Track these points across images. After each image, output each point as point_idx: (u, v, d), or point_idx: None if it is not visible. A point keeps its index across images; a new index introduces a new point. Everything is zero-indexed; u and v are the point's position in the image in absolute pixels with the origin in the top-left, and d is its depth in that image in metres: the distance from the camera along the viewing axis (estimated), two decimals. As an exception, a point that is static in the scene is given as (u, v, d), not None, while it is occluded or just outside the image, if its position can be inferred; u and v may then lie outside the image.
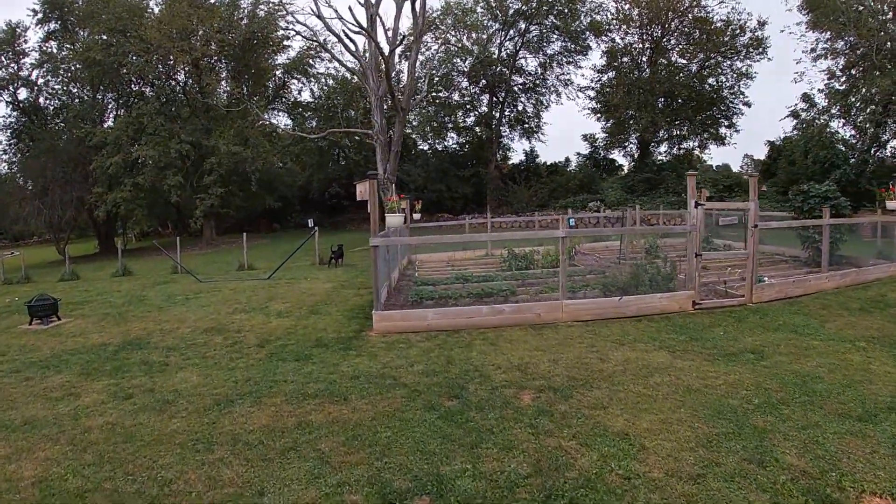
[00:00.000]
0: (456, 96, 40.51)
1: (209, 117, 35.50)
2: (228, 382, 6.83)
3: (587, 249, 18.06)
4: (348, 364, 7.33)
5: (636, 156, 42.12)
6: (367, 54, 26.90)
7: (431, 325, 8.92)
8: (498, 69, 38.90)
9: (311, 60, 39.32)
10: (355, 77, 39.41)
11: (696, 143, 41.76)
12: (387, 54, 23.72)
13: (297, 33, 30.44)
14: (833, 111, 32.87)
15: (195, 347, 8.65)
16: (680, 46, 38.47)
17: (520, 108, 41.35)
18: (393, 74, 26.39)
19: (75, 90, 36.97)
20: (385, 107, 26.85)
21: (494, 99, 40.62)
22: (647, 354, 7.45)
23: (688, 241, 10.56)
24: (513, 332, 8.78)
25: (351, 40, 26.70)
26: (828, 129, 32.69)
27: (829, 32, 31.49)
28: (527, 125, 41.19)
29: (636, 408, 5.73)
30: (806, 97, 34.33)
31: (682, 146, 41.98)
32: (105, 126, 35.40)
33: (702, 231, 10.50)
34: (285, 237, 37.33)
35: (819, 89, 33.47)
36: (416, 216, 19.07)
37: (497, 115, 40.38)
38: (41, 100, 36.75)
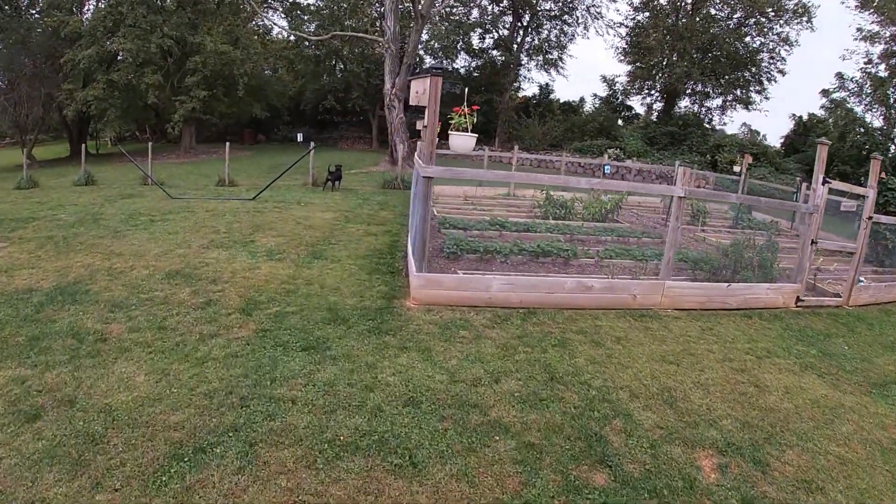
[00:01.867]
0: (475, 14, 36.59)
1: (197, 11, 31.41)
2: (196, 397, 4.12)
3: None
4: (391, 367, 4.67)
5: (658, 106, 38.96)
6: (385, -54, 23.15)
7: (494, 297, 6.28)
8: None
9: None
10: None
11: (720, 103, 38.42)
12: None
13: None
14: (865, 96, 31.18)
15: (150, 306, 5.93)
16: (721, -1, 34.79)
17: (543, 35, 37.51)
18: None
19: None
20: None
21: (518, 23, 36.72)
22: (800, 379, 5.46)
23: (802, 225, 8.13)
24: (610, 321, 6.28)
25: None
26: (854, 114, 31.25)
27: (876, 15, 29.32)
28: (549, 55, 37.47)
29: (852, 486, 3.80)
30: (839, 76, 32.41)
31: (704, 104, 38.68)
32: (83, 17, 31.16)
33: (822, 214, 7.94)
34: (270, 151, 33.98)
35: (860, 71, 31.42)
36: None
37: (518, 39, 36.62)
38: None
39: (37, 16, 30.83)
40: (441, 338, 5.28)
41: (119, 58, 29.53)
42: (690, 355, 5.58)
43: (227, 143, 18.06)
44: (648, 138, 34.08)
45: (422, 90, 5.44)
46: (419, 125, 16.18)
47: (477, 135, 6.01)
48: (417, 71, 30.68)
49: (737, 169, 19.12)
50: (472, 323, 5.72)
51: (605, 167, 17.34)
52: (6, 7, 31.04)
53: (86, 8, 31.96)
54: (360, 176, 20.25)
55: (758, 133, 44.41)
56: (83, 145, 21.47)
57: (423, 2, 22.42)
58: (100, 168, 25.69)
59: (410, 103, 5.57)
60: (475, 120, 6.05)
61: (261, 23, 37.03)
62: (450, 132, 6.09)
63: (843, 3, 30.27)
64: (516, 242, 9.13)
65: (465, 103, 6.13)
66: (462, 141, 5.95)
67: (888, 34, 29.44)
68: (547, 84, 39.79)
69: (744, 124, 42.24)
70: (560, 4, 36.37)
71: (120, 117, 33.13)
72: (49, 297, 6.24)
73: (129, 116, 35.83)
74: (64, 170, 25.19)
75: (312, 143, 16.00)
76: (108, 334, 5.25)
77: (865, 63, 30.79)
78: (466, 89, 6.32)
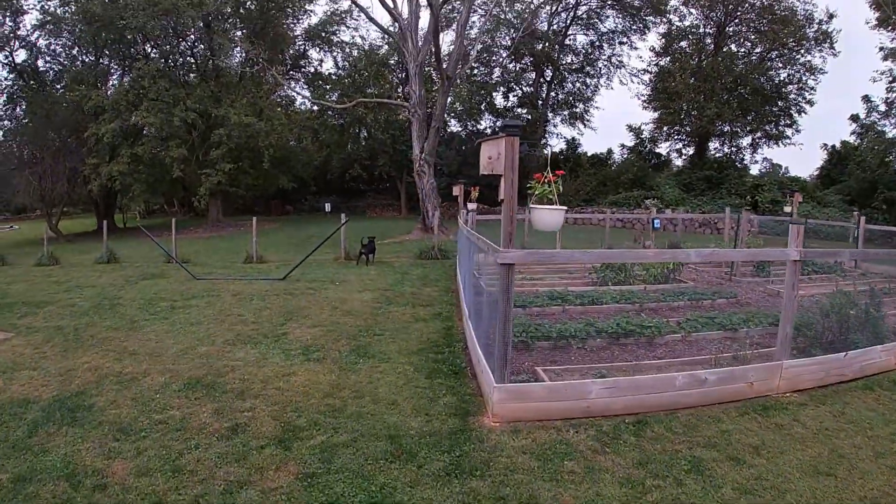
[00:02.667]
0: (497, 73, 36.31)
1: (220, 84, 31.46)
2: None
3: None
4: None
5: (689, 151, 37.99)
6: (407, 12, 22.80)
7: (594, 406, 4.95)
8: (545, 46, 34.66)
9: (335, 27, 35.13)
10: (384, 47, 35.49)
11: (749, 142, 37.28)
12: (437, 2, 19.51)
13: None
14: (893, 118, 29.86)
15: (164, 432, 4.72)
16: (742, 33, 34.19)
17: (567, 89, 37.10)
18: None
19: (77, 53, 32.87)
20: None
21: (541, 79, 36.37)
22: None
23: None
24: (734, 422, 4.98)
25: (388, -6, 22.52)
26: (885, 136, 29.88)
27: (894, 31, 28.27)
28: (575, 109, 36.93)
29: None
30: (866, 98, 31.18)
31: (734, 143, 37.60)
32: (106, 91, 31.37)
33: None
34: (299, 221, 33.42)
35: (887, 91, 30.15)
36: (472, 206, 15.14)
37: (543, 95, 36.17)
38: (40, 62, 32.76)
39: (61, 91, 30.98)
40: (544, 476, 3.94)
41: (144, 132, 29.45)
42: (840, 458, 4.26)
43: (255, 218, 17.17)
44: (684, 185, 32.91)
45: (496, 155, 4.30)
46: (455, 190, 15.12)
47: (566, 207, 4.77)
48: (444, 135, 30.10)
49: (787, 209, 17.91)
50: (576, 446, 4.38)
51: (655, 221, 16.08)
52: (32, 82, 31.38)
53: (109, 83, 32.17)
54: (393, 246, 19.24)
55: (780, 167, 42.99)
56: (104, 221, 20.94)
57: (448, 63, 21.83)
58: (126, 243, 25.12)
59: (482, 172, 4.43)
60: (561, 188, 4.85)
61: (283, 94, 37.12)
62: (530, 205, 4.88)
63: (867, 22, 29.37)
64: (589, 321, 7.82)
65: (549, 168, 4.95)
66: (549, 217, 4.72)
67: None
68: (573, 138, 38.93)
69: (765, 159, 41.00)
70: (581, 57, 36.01)
71: (145, 191, 32.92)
72: (46, 414, 5.13)
73: (156, 190, 35.71)
74: (89, 245, 24.65)
75: (345, 216, 15.01)
76: (109, 476, 4.04)
77: (890, 82, 29.58)
78: (549, 149, 5.13)
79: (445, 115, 35.42)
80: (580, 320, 8.09)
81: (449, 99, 33.65)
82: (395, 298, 9.95)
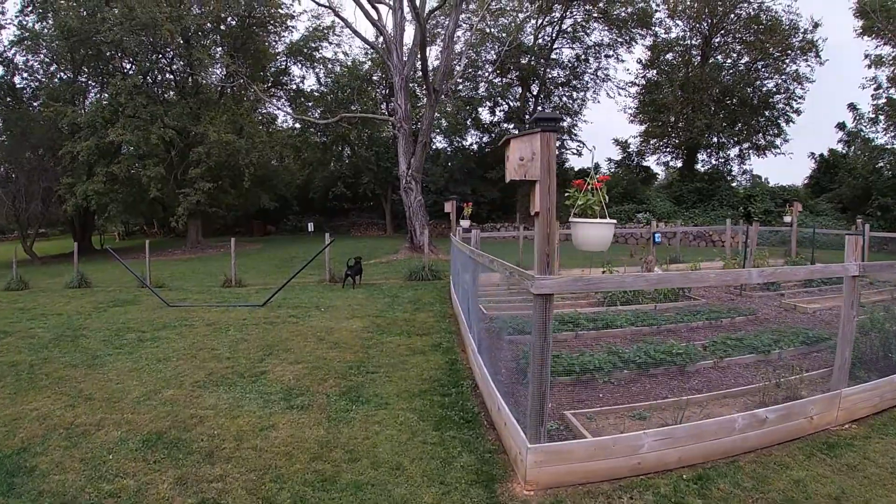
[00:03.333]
0: (482, 88, 35.63)
1: (199, 101, 30.45)
2: None
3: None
4: None
5: (678, 164, 37.56)
6: (392, 25, 22.04)
7: (645, 461, 4.05)
8: (530, 60, 34.11)
9: (317, 42, 34.28)
10: (367, 63, 34.77)
11: (737, 152, 36.86)
12: (424, 14, 18.75)
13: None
14: (883, 122, 29.61)
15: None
16: (728, 44, 33.93)
17: (553, 103, 36.49)
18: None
19: (55, 70, 31.69)
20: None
21: (528, 93, 35.77)
22: None
23: None
24: (803, 466, 4.27)
25: (373, 5, 21.77)
26: (872, 143, 29.93)
27: (879, 39, 28.19)
28: (563, 123, 36.31)
29: None
30: (852, 107, 30.94)
31: (720, 154, 37.18)
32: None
33: None
34: (281, 242, 32.30)
35: (872, 98, 29.93)
36: (465, 224, 14.26)
37: (530, 109, 35.55)
38: (17, 79, 31.52)
39: (39, 108, 29.78)
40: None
41: (122, 150, 28.36)
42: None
43: (233, 239, 16.15)
44: (674, 197, 32.39)
45: (529, 155, 3.40)
46: (447, 207, 14.22)
47: (614, 221, 3.84)
48: (430, 152, 29.17)
49: (787, 219, 17.50)
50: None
51: (656, 236, 15.38)
52: (8, 98, 30.19)
53: (87, 100, 31.06)
54: (381, 266, 18.26)
55: (759, 178, 42.63)
56: (77, 244, 19.82)
57: (434, 76, 21.07)
58: (102, 266, 23.95)
59: (510, 177, 3.49)
60: (606, 198, 3.94)
61: (265, 111, 36.15)
62: (572, 220, 3.96)
63: (854, 30, 29.24)
64: (611, 349, 6.93)
65: (593, 171, 4.06)
66: (597, 233, 3.81)
67: (892, 56, 28.17)
68: (560, 153, 38.25)
69: (744, 171, 40.76)
70: (567, 71, 35.52)
71: (122, 212, 31.75)
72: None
73: (134, 211, 34.56)
74: (64, 268, 23.39)
75: (330, 236, 14.00)
76: None
77: (875, 89, 29.38)
78: (593, 149, 4.09)
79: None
80: (599, 348, 7.22)
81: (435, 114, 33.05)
82: (388, 327, 8.99)
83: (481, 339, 6.32)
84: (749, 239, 13.74)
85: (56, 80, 30.84)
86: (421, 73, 21.35)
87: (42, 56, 30.18)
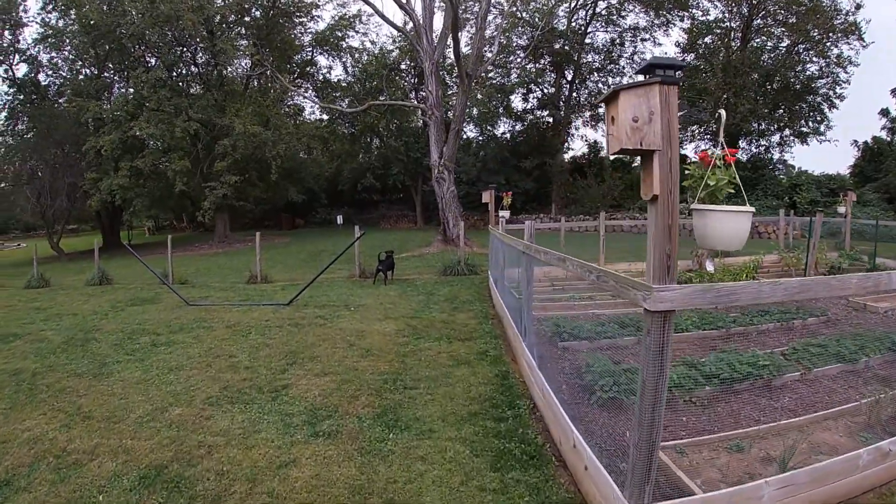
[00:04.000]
0: (514, 75, 34.44)
1: (224, 92, 29.84)
2: None
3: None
4: None
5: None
6: (420, 8, 21.08)
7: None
8: (564, 45, 32.80)
9: (344, 31, 33.39)
10: (395, 51, 33.84)
11: (778, 140, 35.02)
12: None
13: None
14: None
15: None
16: (769, 26, 32.14)
17: (589, 89, 35.16)
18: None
19: (80, 66, 31.41)
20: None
21: (563, 79, 34.45)
22: None
23: None
24: None
25: (401, -11, 20.81)
26: None
27: None
28: (599, 109, 34.92)
29: None
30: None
31: (760, 142, 35.40)
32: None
33: None
34: (309, 236, 31.64)
35: None
36: (505, 215, 13.26)
37: (564, 96, 34.26)
38: (41, 76, 31.38)
39: (63, 104, 29.49)
40: None
41: (147, 144, 27.91)
42: None
43: (258, 234, 15.42)
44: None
45: (645, 115, 2.39)
46: (484, 197, 13.20)
47: (752, 209, 2.74)
48: (461, 141, 27.99)
49: (841, 209, 16.28)
50: None
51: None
52: (34, 96, 29.99)
53: (113, 96, 30.68)
54: (413, 260, 17.34)
55: (793, 167, 40.68)
56: (97, 239, 19.33)
57: (467, 60, 20.03)
58: (128, 262, 23.51)
59: (621, 146, 2.39)
60: (735, 175, 2.87)
61: (291, 103, 35.46)
62: (697, 207, 2.82)
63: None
64: (686, 360, 5.92)
65: (722, 140, 2.99)
66: (733, 225, 2.69)
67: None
68: (595, 142, 36.96)
69: (784, 161, 38.90)
70: (602, 56, 34.12)
71: (150, 207, 31.37)
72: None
73: (163, 205, 34.23)
74: (89, 264, 23.00)
75: (360, 229, 13.07)
76: None
77: None
78: (722, 113, 2.79)
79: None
80: (672, 358, 6.22)
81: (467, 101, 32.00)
82: (425, 330, 8.05)
83: (540, 351, 5.35)
84: (812, 231, 12.52)
85: (81, 76, 30.58)
86: (452, 58, 20.37)
87: (66, 53, 29.93)
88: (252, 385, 5.89)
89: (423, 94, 24.31)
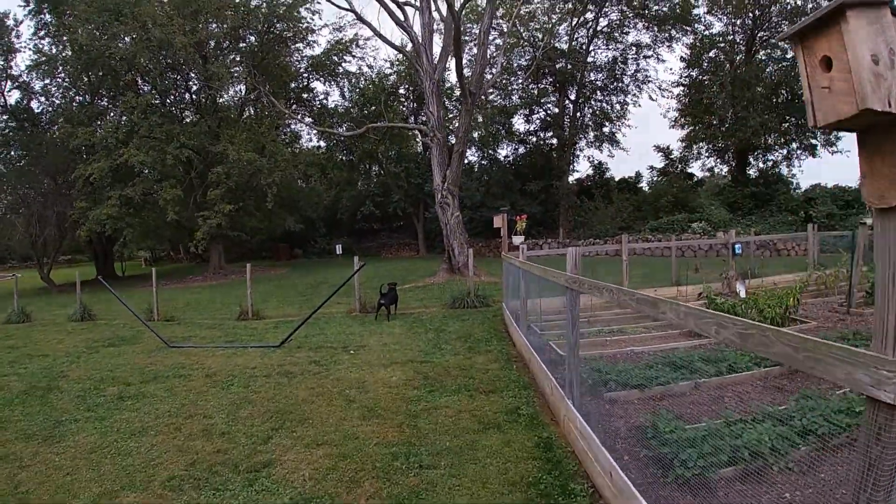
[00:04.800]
0: (515, 97, 33.58)
1: (218, 119, 28.89)
2: None
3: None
4: None
5: (723, 169, 35.01)
6: (419, 26, 20.16)
7: None
8: (566, 64, 31.98)
9: (340, 55, 32.54)
10: (393, 75, 33.03)
11: (785, 154, 33.81)
12: (456, 8, 16.77)
13: (331, 1, 22.70)
14: None
15: None
16: (774, 38, 31.30)
17: (593, 109, 34.19)
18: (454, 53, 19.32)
19: (73, 94, 30.54)
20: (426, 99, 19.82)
21: (566, 99, 33.55)
22: None
23: None
24: None
25: (399, 7, 19.92)
26: None
27: None
28: (602, 130, 33.99)
29: None
30: None
31: (767, 157, 34.30)
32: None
33: None
34: (308, 266, 30.42)
35: None
36: (518, 240, 12.12)
37: (569, 115, 33.32)
38: (34, 104, 30.57)
39: (57, 133, 28.55)
40: None
41: (134, 170, 26.93)
42: None
43: (249, 265, 14.23)
44: (728, 204, 29.77)
45: (885, 53, 1.22)
46: (496, 221, 12.01)
47: None
48: (465, 164, 27.05)
49: (868, 221, 15.06)
50: None
51: (736, 247, 13.12)
52: (26, 123, 29.07)
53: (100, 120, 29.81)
54: (418, 292, 16.11)
55: (789, 183, 39.40)
56: (77, 273, 18.10)
57: (470, 77, 19.04)
58: (125, 294, 22.26)
59: (844, 115, 1.24)
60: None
61: (288, 130, 34.49)
62: None
63: None
64: (767, 410, 4.69)
65: None
66: None
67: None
68: (600, 163, 35.95)
69: (793, 174, 37.62)
70: (605, 74, 33.27)
71: (144, 237, 30.20)
72: None
73: (158, 236, 33.01)
74: (86, 296, 21.80)
75: (359, 261, 11.81)
76: None
77: None
78: None
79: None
80: (734, 403, 5.03)
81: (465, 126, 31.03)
82: (439, 378, 6.79)
83: (599, 419, 4.13)
84: (856, 245, 11.31)
85: (74, 104, 29.69)
86: (452, 79, 19.45)
87: (60, 80, 29.09)
88: (226, 459, 4.65)
89: (423, 117, 23.32)
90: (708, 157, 35.40)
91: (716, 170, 36.35)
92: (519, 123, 34.87)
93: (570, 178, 34.23)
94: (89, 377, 7.98)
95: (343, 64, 33.17)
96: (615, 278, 12.72)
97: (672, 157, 36.16)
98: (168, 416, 5.93)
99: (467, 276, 14.46)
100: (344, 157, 35.64)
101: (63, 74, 28.48)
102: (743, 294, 10.89)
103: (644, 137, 59.03)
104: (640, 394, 5.72)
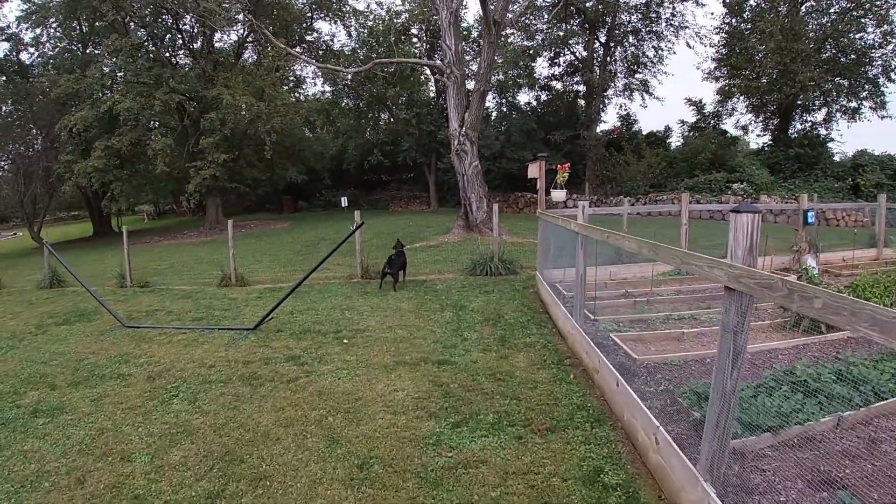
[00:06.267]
0: (539, 38, 30.62)
1: (213, 61, 26.42)
2: None
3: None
4: None
5: (758, 128, 32.20)
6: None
7: None
8: (597, 3, 28.97)
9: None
10: (404, 14, 30.21)
11: (825, 115, 30.72)
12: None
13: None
14: None
15: None
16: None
17: (623, 55, 31.13)
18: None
19: (65, 44, 28.12)
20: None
21: (597, 41, 30.54)
22: None
23: None
24: None
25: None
26: None
27: None
28: (634, 77, 30.99)
29: None
30: None
31: (807, 117, 31.24)
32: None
33: None
34: (312, 219, 28.30)
35: None
36: (559, 195, 9.98)
37: (598, 61, 30.39)
38: (24, 56, 28.31)
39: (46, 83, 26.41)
40: None
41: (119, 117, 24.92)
42: None
43: (230, 221, 12.22)
44: (768, 165, 27.21)
45: None
46: (531, 171, 9.52)
47: None
48: (485, 109, 24.63)
49: None
50: None
51: (809, 215, 10.96)
52: (17, 77, 26.86)
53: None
54: (430, 252, 13.99)
55: (829, 147, 36.48)
56: (70, 232, 16.27)
57: (496, 4, 16.52)
58: (101, 256, 20.50)
59: None
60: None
61: (291, 77, 31.87)
62: None
63: None
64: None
65: None
66: None
67: None
68: (628, 114, 33.07)
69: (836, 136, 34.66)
70: (638, 17, 30.24)
71: (136, 190, 28.16)
72: None
73: (158, 189, 30.93)
74: (71, 256, 19.95)
75: (359, 218, 9.55)
76: None
77: None
78: None
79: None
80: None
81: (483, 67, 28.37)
82: (466, 397, 4.73)
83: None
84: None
85: (66, 54, 27.34)
86: (470, 12, 16.90)
87: (51, 31, 26.74)
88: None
89: (439, 55, 20.82)
90: (743, 114, 32.44)
91: (750, 127, 33.49)
92: (542, 68, 32.03)
93: (598, 129, 31.53)
94: (16, 373, 6.18)
95: (350, 0, 30.44)
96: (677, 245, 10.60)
97: (705, 111, 33.30)
98: (77, 453, 4.05)
99: (489, 236, 12.35)
100: (350, 103, 33.06)
101: (55, 24, 26.19)
102: (816, 270, 8.85)
103: (671, 90, 55.56)
104: (773, 439, 3.70)
